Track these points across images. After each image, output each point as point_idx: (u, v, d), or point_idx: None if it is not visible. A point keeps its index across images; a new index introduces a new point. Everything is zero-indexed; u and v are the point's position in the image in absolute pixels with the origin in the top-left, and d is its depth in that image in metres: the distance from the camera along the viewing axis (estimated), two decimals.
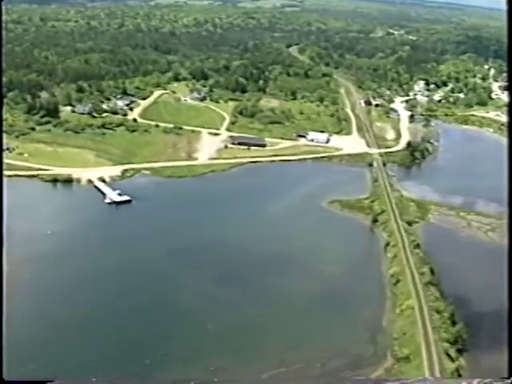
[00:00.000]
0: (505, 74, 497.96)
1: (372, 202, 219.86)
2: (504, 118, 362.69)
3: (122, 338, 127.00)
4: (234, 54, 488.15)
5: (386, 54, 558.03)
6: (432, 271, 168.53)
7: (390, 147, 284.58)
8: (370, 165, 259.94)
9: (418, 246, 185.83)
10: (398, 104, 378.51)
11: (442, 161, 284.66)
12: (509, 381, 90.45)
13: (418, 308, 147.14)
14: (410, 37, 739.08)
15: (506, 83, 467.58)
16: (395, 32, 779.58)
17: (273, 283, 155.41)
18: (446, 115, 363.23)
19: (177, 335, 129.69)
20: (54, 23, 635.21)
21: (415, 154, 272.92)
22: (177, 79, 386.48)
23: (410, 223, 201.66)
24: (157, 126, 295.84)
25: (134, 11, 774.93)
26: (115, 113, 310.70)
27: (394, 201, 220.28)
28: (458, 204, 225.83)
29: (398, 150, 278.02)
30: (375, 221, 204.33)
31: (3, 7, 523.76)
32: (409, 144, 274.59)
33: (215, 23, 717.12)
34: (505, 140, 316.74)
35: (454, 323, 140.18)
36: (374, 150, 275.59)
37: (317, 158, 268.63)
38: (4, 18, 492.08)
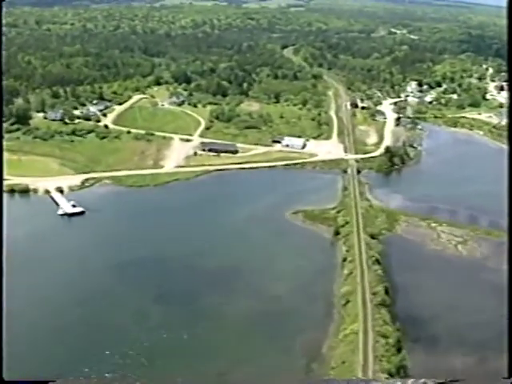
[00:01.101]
0: (503, 74, 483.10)
1: (338, 212, 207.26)
2: (496, 120, 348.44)
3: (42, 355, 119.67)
4: (225, 55, 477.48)
5: (382, 54, 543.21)
6: (387, 290, 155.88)
7: (368, 152, 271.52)
8: (345, 171, 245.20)
9: (377, 261, 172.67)
10: (387, 106, 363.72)
11: (422, 166, 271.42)
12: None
13: (362, 333, 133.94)
14: (412, 36, 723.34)
15: (503, 83, 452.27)
16: (397, 31, 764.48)
17: (213, 302, 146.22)
18: (436, 117, 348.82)
19: (98, 356, 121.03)
20: (49, 26, 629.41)
21: (394, 160, 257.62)
22: (158, 83, 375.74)
23: (373, 236, 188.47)
24: (128, 132, 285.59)
25: (133, 13, 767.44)
26: (88, 119, 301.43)
27: (362, 211, 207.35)
28: (431, 213, 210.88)
29: (376, 156, 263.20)
30: (337, 233, 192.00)
31: (4, 9, 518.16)
32: (387, 149, 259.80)
33: (213, 24, 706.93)
34: (494, 143, 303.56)
35: (399, 350, 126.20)
36: (351, 156, 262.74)
37: (289, 164, 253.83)
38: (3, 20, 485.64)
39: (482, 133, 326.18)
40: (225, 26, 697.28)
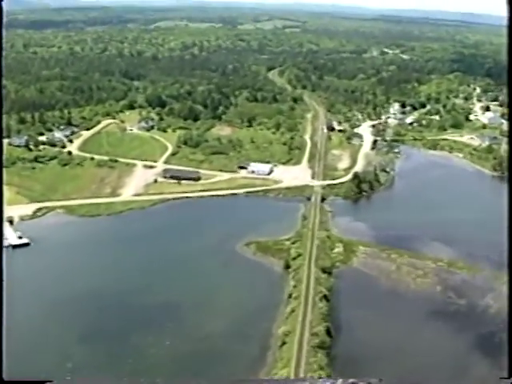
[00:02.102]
0: (490, 93, 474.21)
1: (292, 243, 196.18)
2: (477, 142, 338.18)
3: None
4: (206, 78, 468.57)
5: (369, 74, 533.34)
6: (328, 330, 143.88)
7: (338, 178, 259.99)
8: (308, 199, 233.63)
9: (324, 298, 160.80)
10: (366, 128, 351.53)
11: (393, 192, 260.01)
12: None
13: None
14: (404, 56, 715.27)
15: (489, 102, 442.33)
16: (390, 51, 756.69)
17: (141, 341, 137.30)
18: (415, 140, 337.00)
19: None
20: (36, 49, 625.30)
21: (361, 186, 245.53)
22: (132, 107, 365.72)
23: (325, 269, 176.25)
24: (92, 158, 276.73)
25: (123, 35, 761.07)
26: (53, 145, 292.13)
27: (318, 242, 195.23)
28: (394, 244, 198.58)
29: (344, 182, 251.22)
30: (287, 267, 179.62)
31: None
32: (355, 174, 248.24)
33: (202, 46, 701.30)
34: (473, 166, 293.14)
35: None
36: (317, 182, 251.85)
37: (251, 192, 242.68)
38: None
39: (461, 155, 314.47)
40: (214, 48, 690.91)
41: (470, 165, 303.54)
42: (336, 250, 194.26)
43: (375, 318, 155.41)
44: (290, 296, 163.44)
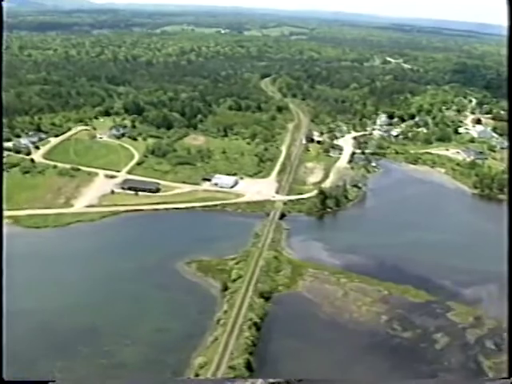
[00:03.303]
0: (485, 106, 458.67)
1: (237, 263, 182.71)
2: (462, 156, 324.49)
3: None
4: (195, 84, 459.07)
5: (362, 84, 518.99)
6: (249, 363, 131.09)
7: (304, 193, 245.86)
8: (268, 215, 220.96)
9: (254, 325, 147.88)
10: (348, 140, 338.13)
11: (361, 209, 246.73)
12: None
13: None
14: (406, 65, 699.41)
15: (482, 115, 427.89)
16: (392, 60, 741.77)
17: (46, 367, 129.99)
18: (397, 153, 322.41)
19: None
20: (31, 52, 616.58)
21: (327, 202, 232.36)
22: (108, 114, 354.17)
23: (263, 294, 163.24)
24: (55, 167, 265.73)
25: (122, 39, 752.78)
26: (18, 151, 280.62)
27: (264, 263, 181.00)
28: (348, 267, 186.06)
29: (309, 197, 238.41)
30: (225, 289, 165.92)
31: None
32: (321, 190, 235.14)
33: (200, 52, 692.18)
34: (453, 182, 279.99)
35: None
36: (280, 197, 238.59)
37: (209, 206, 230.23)
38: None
39: (443, 171, 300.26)
40: (212, 54, 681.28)
41: (451, 181, 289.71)
42: (282, 273, 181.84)
43: (305, 351, 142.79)
44: (218, 322, 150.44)
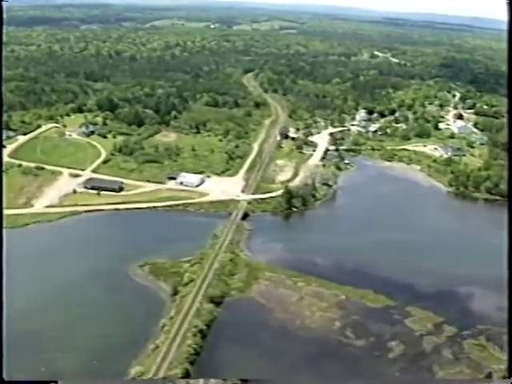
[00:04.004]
0: (468, 101, 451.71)
1: (191, 266, 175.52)
2: (439, 153, 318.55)
3: None
4: (174, 80, 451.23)
5: (345, 79, 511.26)
6: (187, 374, 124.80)
7: (271, 191, 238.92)
8: (230, 214, 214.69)
9: (199, 332, 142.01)
10: (325, 136, 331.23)
11: (329, 208, 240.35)
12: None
13: None
14: (394, 59, 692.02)
15: (464, 110, 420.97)
16: (380, 54, 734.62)
17: None
18: (373, 149, 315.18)
19: None
20: (14, 47, 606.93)
21: (293, 201, 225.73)
22: (80, 110, 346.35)
23: (213, 299, 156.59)
24: (19, 165, 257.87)
25: (107, 34, 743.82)
26: None
27: (219, 265, 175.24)
28: (307, 269, 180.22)
29: (275, 196, 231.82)
30: (175, 293, 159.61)
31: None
32: (286, 189, 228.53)
33: (186, 46, 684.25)
34: (428, 180, 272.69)
35: None
36: (245, 196, 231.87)
37: (171, 206, 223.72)
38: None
39: (418, 168, 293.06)
40: (197, 49, 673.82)
41: (426, 179, 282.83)
42: (237, 276, 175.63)
43: (249, 359, 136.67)
44: (162, 329, 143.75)
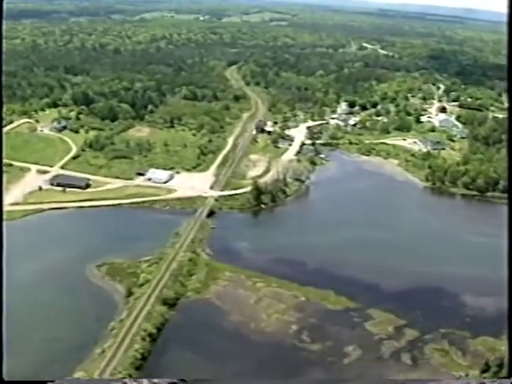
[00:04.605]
0: (453, 93, 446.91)
1: (150, 266, 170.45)
2: (418, 147, 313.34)
3: None
4: (154, 73, 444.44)
5: (329, 71, 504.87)
6: None
7: (241, 188, 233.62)
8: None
9: (149, 336, 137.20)
10: (303, 130, 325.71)
11: (299, 205, 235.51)
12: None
13: None
14: (382, 51, 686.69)
15: (447, 103, 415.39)
16: (369, 46, 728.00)
17: None
18: (350, 143, 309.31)
19: None
20: None
21: (261, 198, 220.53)
22: (56, 105, 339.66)
23: (167, 301, 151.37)
24: None
25: (93, 27, 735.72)
26: None
27: (178, 265, 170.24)
28: (270, 269, 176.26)
29: (243, 193, 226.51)
30: (130, 295, 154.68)
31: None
32: (255, 185, 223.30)
33: (172, 39, 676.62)
34: (404, 175, 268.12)
35: None
36: (213, 193, 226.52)
37: (137, 203, 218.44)
38: None
39: (396, 162, 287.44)
40: (183, 41, 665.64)
41: (403, 173, 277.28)
42: (195, 277, 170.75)
43: (197, 364, 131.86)
44: (111, 332, 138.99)
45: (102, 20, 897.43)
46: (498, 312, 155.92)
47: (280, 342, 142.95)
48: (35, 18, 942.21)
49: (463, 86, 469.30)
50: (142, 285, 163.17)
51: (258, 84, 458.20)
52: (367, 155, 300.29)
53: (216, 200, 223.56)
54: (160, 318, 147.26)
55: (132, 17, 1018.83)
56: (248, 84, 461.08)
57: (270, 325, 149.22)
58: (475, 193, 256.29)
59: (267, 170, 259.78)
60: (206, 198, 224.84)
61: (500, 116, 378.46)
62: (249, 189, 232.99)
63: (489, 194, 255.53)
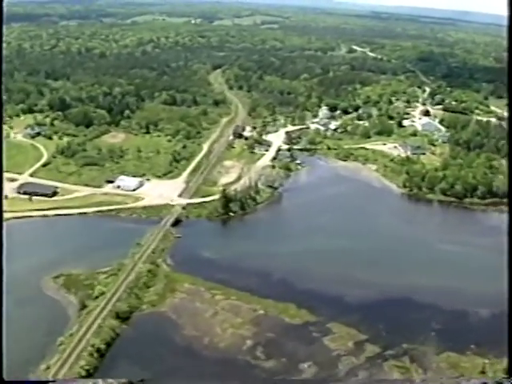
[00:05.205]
0: (439, 96, 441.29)
1: (107, 277, 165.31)
2: (398, 151, 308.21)
3: None
4: (136, 77, 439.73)
5: (313, 75, 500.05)
6: None
7: (210, 195, 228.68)
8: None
9: (97, 351, 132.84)
10: (282, 135, 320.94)
11: (270, 212, 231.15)
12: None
13: None
14: (372, 54, 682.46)
15: (432, 107, 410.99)
16: (358, 49, 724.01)
17: None
18: (329, 149, 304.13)
19: None
20: None
21: (230, 206, 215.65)
22: (31, 111, 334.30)
23: (120, 314, 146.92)
24: None
25: (81, 31, 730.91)
26: None
27: (135, 276, 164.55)
28: (230, 281, 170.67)
29: (211, 201, 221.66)
30: (83, 307, 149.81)
31: None
32: (224, 192, 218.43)
33: (159, 43, 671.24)
34: (381, 180, 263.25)
35: None
36: (181, 201, 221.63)
37: (103, 211, 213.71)
38: None
39: (374, 167, 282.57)
40: (170, 45, 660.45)
41: (379, 179, 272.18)
42: (153, 289, 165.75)
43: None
44: (58, 348, 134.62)
45: (90, 23, 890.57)
46: (466, 325, 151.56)
47: (232, 358, 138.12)
48: (25, 21, 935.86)
49: (449, 89, 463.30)
50: (96, 297, 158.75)
51: (240, 88, 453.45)
52: (345, 160, 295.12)
53: (183, 208, 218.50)
54: (110, 332, 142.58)
55: (124, 20, 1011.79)
56: (231, 88, 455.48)
57: (224, 340, 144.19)
58: (453, 199, 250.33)
59: (240, 177, 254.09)
60: (173, 206, 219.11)
61: (484, 119, 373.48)
62: (217, 196, 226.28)
63: (467, 200, 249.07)
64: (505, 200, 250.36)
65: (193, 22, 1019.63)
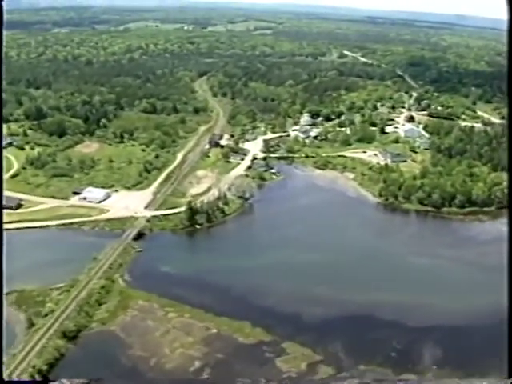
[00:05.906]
0: (425, 101, 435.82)
1: (60, 294, 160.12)
2: (377, 159, 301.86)
3: None
4: (118, 85, 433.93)
5: (298, 81, 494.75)
6: None
7: (178, 206, 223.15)
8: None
9: (38, 373, 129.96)
10: (260, 143, 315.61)
11: (239, 224, 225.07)
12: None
13: None
14: (363, 59, 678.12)
15: (416, 112, 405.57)
16: (350, 54, 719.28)
17: None
18: (307, 157, 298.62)
19: None
20: None
21: (196, 218, 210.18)
22: (7, 120, 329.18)
23: (67, 333, 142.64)
24: None
25: (70, 38, 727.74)
26: None
27: (87, 293, 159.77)
28: (187, 297, 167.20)
29: (177, 213, 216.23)
30: (31, 326, 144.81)
31: None
32: (189, 204, 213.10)
33: (147, 50, 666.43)
34: (357, 190, 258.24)
35: None
36: (146, 213, 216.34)
37: (65, 224, 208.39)
38: None
39: (352, 176, 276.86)
40: (158, 52, 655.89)
41: (356, 188, 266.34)
42: (105, 306, 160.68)
43: None
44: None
45: (84, 30, 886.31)
46: (430, 345, 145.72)
47: (177, 381, 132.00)
48: (16, 28, 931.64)
49: (436, 94, 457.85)
50: (46, 315, 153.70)
51: (224, 95, 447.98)
52: (322, 169, 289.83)
53: (147, 220, 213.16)
54: (54, 352, 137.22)
55: (117, 27, 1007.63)
56: (215, 95, 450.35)
57: (172, 361, 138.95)
58: (430, 208, 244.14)
59: (210, 188, 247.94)
60: (137, 218, 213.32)
61: (469, 125, 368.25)
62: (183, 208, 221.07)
63: (445, 209, 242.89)
64: (485, 209, 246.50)
65: (185, 28, 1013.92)
